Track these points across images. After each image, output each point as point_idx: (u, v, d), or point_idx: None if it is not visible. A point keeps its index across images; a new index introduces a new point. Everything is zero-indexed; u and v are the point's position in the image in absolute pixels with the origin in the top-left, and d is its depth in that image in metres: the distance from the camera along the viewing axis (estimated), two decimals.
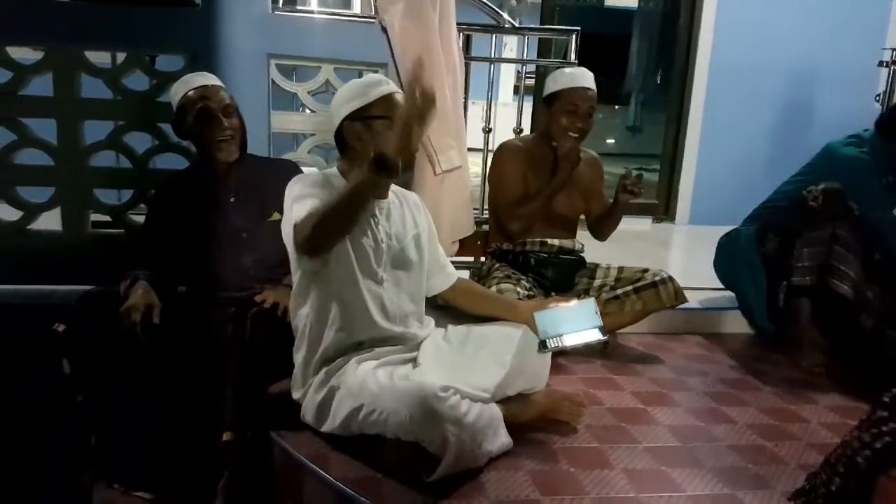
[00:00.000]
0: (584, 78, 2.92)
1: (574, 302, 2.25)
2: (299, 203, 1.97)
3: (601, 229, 3.12)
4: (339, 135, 2.13)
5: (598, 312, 2.21)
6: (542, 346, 2.13)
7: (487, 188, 3.22)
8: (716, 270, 3.41)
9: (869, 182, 2.96)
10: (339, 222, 1.92)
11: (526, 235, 2.98)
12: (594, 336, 2.19)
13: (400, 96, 2.09)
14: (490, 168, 3.11)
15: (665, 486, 1.94)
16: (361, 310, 2.10)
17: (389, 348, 2.13)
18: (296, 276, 2.13)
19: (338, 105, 2.11)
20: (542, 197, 2.91)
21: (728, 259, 3.33)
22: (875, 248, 2.96)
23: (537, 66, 4.43)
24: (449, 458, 1.80)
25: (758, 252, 3.16)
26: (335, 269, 2.06)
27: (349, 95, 2.09)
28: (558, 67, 3.16)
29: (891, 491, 1.16)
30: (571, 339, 2.17)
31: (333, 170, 2.17)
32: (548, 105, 2.95)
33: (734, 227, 3.38)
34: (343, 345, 2.09)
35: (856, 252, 2.84)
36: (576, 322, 2.19)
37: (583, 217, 3.17)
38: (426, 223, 2.31)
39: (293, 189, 2.05)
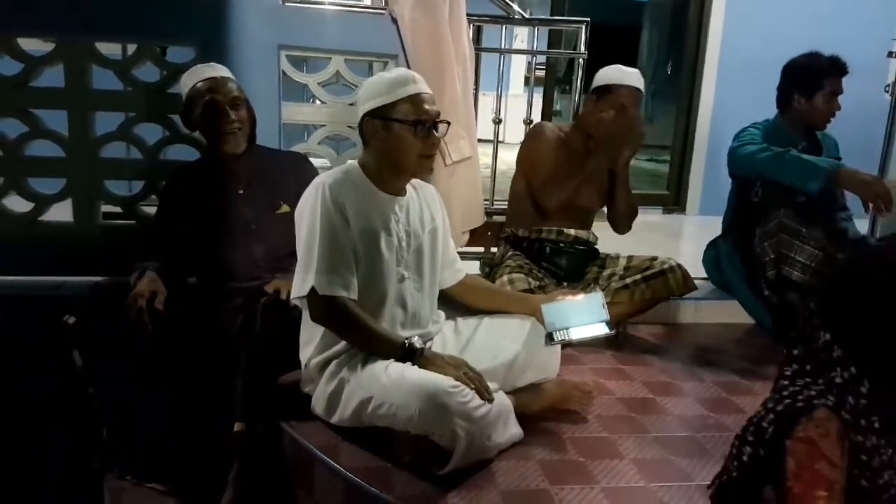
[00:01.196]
0: (639, 79, 2.90)
1: (581, 295, 2.24)
2: (316, 252, 1.97)
3: (613, 216, 3.08)
4: (359, 128, 2.09)
5: (606, 306, 2.19)
6: (549, 338, 2.12)
7: (514, 170, 3.13)
8: (711, 281, 3.42)
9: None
10: (352, 343, 2.05)
11: (544, 223, 2.97)
12: (601, 330, 2.17)
13: (428, 95, 2.06)
14: (524, 145, 3.06)
15: (675, 476, 1.94)
16: (382, 311, 2.09)
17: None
18: None
19: (363, 98, 2.07)
20: (582, 174, 2.93)
21: (716, 269, 3.34)
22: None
23: (547, 58, 4.42)
24: (459, 452, 1.81)
25: (738, 256, 3.16)
26: (357, 272, 2.05)
27: (375, 91, 2.04)
28: (571, 58, 3.14)
29: (797, 450, 1.19)
30: (578, 333, 2.15)
31: (354, 164, 2.13)
32: (596, 96, 2.90)
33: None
34: None
35: (804, 235, 2.87)
36: (583, 315, 2.17)
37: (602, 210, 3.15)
38: (442, 216, 2.29)
39: (308, 202, 2.04)
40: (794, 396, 1.25)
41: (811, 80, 3.07)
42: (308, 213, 2.03)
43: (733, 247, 3.21)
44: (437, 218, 2.26)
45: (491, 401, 1.86)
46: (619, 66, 2.96)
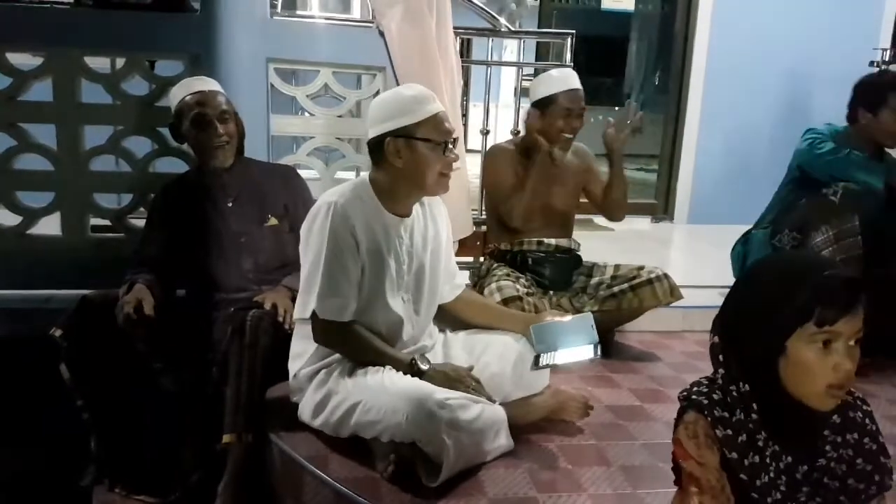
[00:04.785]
0: (575, 79, 2.95)
1: (569, 317, 2.23)
2: (321, 274, 1.97)
3: (609, 204, 3.09)
4: (375, 147, 2.04)
5: (595, 327, 2.17)
6: (536, 361, 2.10)
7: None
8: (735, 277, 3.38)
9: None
10: (360, 362, 2.05)
11: (523, 235, 2.99)
12: (588, 354, 2.14)
13: (444, 113, 2.05)
14: (483, 171, 3.12)
15: (662, 483, 1.92)
16: (381, 331, 2.09)
17: None
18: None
19: (379, 117, 2.02)
20: (530, 183, 2.92)
21: (742, 265, 3.31)
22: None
23: (535, 69, 4.44)
24: (448, 461, 1.81)
25: (771, 249, 3.13)
26: (359, 295, 2.05)
27: (394, 110, 2.01)
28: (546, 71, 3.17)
29: (673, 450, 1.33)
30: (565, 356, 2.12)
31: (364, 181, 2.09)
32: (540, 109, 2.94)
33: (731, 225, 3.35)
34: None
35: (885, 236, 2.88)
36: (571, 337, 2.14)
37: (582, 216, 3.16)
38: (446, 232, 2.27)
39: (318, 220, 2.01)
40: (689, 397, 1.34)
41: (874, 95, 3.05)
42: (317, 232, 2.00)
43: (770, 238, 3.13)
44: (441, 233, 2.24)
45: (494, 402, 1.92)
46: (551, 72, 3.02)
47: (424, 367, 1.99)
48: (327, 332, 2.02)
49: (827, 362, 1.22)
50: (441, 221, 2.26)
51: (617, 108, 10.14)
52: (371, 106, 2.10)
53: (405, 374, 1.98)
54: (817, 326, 1.21)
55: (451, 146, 2.04)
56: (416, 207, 2.17)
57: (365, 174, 2.14)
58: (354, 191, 2.05)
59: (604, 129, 2.96)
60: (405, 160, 2.00)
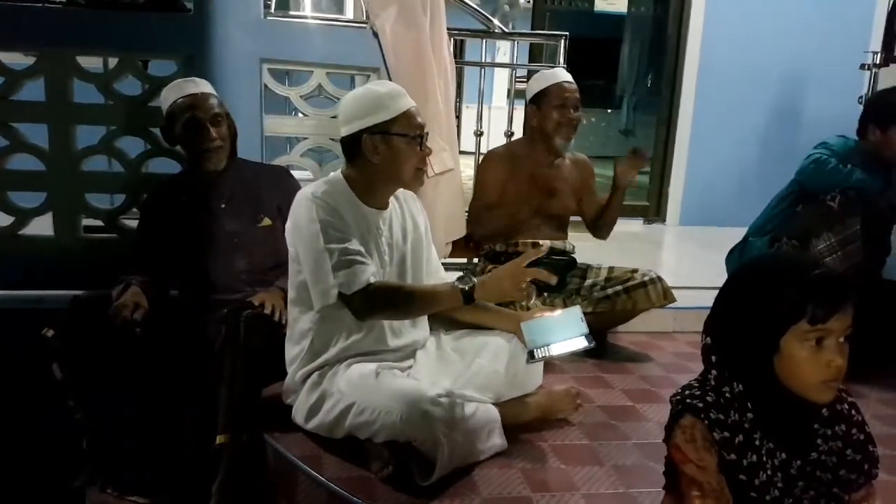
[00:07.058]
0: (565, 74, 3.02)
1: (559, 311, 2.24)
2: (326, 256, 1.96)
3: (601, 224, 3.14)
4: (350, 143, 2.06)
5: (584, 319, 2.18)
6: (531, 356, 2.10)
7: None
8: None
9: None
10: (409, 314, 2.15)
11: (519, 236, 3.00)
12: (581, 344, 2.14)
13: (416, 108, 2.07)
14: (479, 173, 3.14)
15: (655, 482, 1.92)
16: (369, 326, 2.09)
17: (387, 353, 2.13)
18: (293, 285, 2.12)
19: (353, 115, 2.03)
20: (548, 183, 3.00)
21: None
22: None
23: (528, 71, 4.46)
24: (442, 460, 1.81)
25: None
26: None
27: (369, 107, 2.02)
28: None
29: (672, 455, 1.33)
30: (559, 349, 2.12)
31: (339, 177, 2.11)
32: (536, 105, 2.99)
33: (723, 227, 3.36)
34: (345, 356, 2.07)
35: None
36: (562, 331, 2.14)
37: (578, 218, 3.18)
38: (424, 223, 2.29)
39: (302, 214, 2.01)
40: (684, 400, 1.34)
41: (885, 113, 3.04)
42: (305, 223, 2.00)
43: (770, 246, 3.13)
44: (420, 225, 2.26)
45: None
46: (543, 70, 3.11)
47: (468, 285, 1.99)
48: (367, 301, 1.98)
49: (820, 359, 1.24)
50: (418, 214, 2.28)
51: (609, 111, 10.20)
52: (342, 103, 2.11)
53: (459, 300, 2.00)
54: (810, 325, 1.23)
55: (423, 140, 2.07)
56: (392, 201, 2.19)
57: (337, 172, 2.15)
58: (329, 185, 2.08)
59: (622, 161, 3.00)
60: (382, 156, 2.03)
